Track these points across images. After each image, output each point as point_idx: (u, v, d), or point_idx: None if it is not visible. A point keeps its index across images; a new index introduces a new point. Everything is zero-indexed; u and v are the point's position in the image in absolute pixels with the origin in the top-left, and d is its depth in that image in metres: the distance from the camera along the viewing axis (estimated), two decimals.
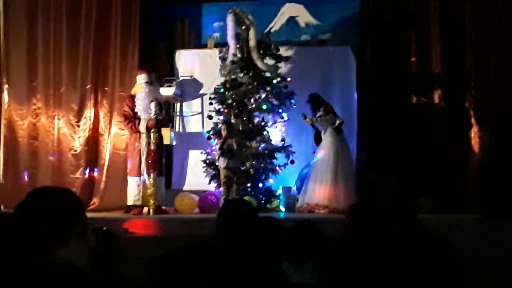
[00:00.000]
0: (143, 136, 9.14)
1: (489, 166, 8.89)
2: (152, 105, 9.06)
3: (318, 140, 9.62)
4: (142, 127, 9.12)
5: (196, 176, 10.32)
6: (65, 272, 2.34)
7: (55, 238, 2.46)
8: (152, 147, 9.02)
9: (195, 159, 10.40)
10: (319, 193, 9.19)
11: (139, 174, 9.13)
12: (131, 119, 9.22)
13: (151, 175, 8.95)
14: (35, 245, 2.43)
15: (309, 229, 4.13)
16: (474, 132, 9.16)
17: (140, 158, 9.13)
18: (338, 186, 9.18)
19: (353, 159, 9.77)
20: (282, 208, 9.48)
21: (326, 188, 9.18)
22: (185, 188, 10.42)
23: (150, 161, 9.02)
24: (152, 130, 9.04)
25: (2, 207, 9.90)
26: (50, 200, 2.57)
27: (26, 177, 10.22)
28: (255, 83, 9.71)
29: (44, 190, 2.69)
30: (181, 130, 10.98)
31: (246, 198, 8.50)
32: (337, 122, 9.47)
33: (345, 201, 8.92)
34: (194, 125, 11.04)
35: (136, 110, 9.22)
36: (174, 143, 10.51)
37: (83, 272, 2.43)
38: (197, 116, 11.01)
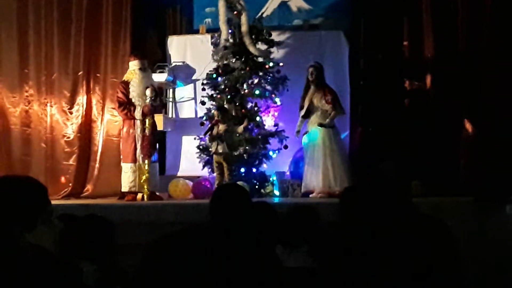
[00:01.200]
0: (138, 122, 9.12)
1: (481, 149, 8.91)
2: (148, 91, 9.06)
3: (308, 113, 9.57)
4: (138, 114, 9.11)
5: (190, 162, 10.31)
6: (36, 256, 2.36)
7: (21, 224, 2.48)
8: (147, 133, 9.03)
9: (189, 144, 10.38)
10: (319, 176, 9.20)
11: (135, 160, 9.13)
12: (126, 105, 9.20)
13: (146, 161, 8.95)
14: (2, 231, 2.45)
15: (305, 213, 4.13)
16: (466, 116, 9.17)
17: (135, 144, 9.12)
18: (337, 168, 9.19)
19: (345, 143, 9.80)
20: (276, 193, 9.50)
21: (327, 172, 9.19)
22: (179, 174, 10.41)
23: (144, 148, 9.02)
24: (148, 117, 9.04)
25: None
26: (13, 188, 2.59)
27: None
28: (247, 68, 9.69)
29: (6, 179, 2.71)
30: (174, 116, 10.95)
31: (239, 183, 8.51)
32: (342, 113, 9.53)
33: (344, 183, 8.95)
34: (187, 111, 11.02)
35: (130, 96, 9.21)
36: (169, 129, 10.51)
37: (53, 255, 2.46)
38: (190, 102, 10.98)
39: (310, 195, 9.20)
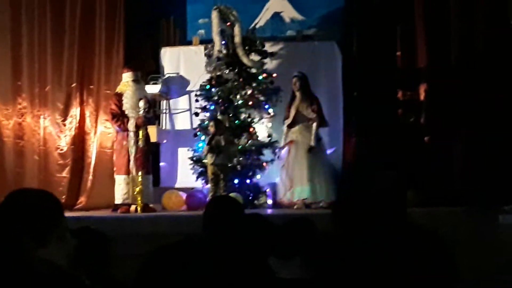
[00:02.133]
0: (131, 134, 9.11)
1: (476, 158, 8.92)
2: (141, 103, 9.04)
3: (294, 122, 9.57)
4: (131, 126, 9.09)
5: (186, 173, 10.29)
6: (46, 271, 2.35)
7: (34, 239, 2.47)
8: (141, 145, 9.01)
9: (185, 156, 10.35)
10: (297, 187, 9.22)
11: (128, 172, 9.11)
12: (119, 117, 9.19)
13: (139, 173, 8.94)
14: (15, 245, 2.43)
15: (302, 225, 4.12)
16: (459, 125, 9.19)
17: (129, 156, 9.11)
18: (318, 179, 9.21)
19: (327, 151, 9.77)
20: (270, 202, 9.48)
21: (323, 181, 9.21)
22: (176, 185, 10.39)
23: (138, 160, 9.01)
24: (141, 128, 9.03)
25: None
26: (29, 201, 2.58)
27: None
28: (241, 79, 9.71)
29: (23, 192, 2.69)
30: (169, 127, 10.95)
31: (232, 194, 8.50)
32: (325, 125, 9.51)
33: (326, 194, 9.00)
34: (181, 122, 11.01)
35: (124, 108, 9.20)
36: (162, 141, 10.51)
37: (65, 271, 2.44)
38: (185, 113, 10.98)
39: (295, 207, 9.21)
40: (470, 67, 9.22)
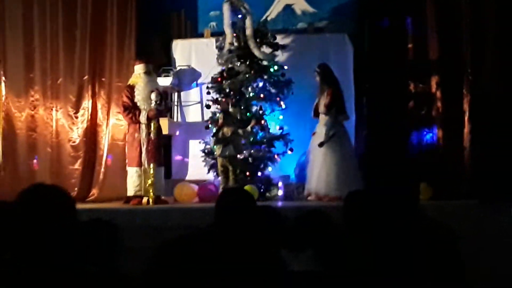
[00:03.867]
0: (143, 126, 9.13)
1: (486, 151, 8.90)
2: (153, 95, 9.04)
3: (317, 112, 9.53)
4: (143, 118, 9.11)
5: (197, 165, 10.31)
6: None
7: (50, 235, 2.50)
8: (153, 137, 9.03)
9: (196, 148, 10.37)
10: (319, 180, 9.17)
11: (140, 164, 9.13)
12: (131, 109, 9.20)
13: (151, 166, 8.96)
14: (32, 242, 2.46)
15: (316, 218, 4.12)
16: (471, 118, 9.16)
17: (141, 148, 9.13)
18: (340, 172, 9.14)
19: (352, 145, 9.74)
20: (281, 194, 9.47)
21: (325, 175, 9.15)
22: (187, 178, 10.41)
23: (150, 152, 9.03)
24: (153, 121, 9.05)
25: None
26: (43, 199, 2.59)
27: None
28: (252, 72, 9.70)
29: (37, 188, 2.71)
30: (180, 119, 10.97)
31: (248, 187, 8.50)
32: (343, 119, 9.46)
33: (350, 187, 8.93)
34: (193, 114, 11.03)
35: (135, 100, 9.21)
36: (174, 133, 10.54)
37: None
38: (196, 106, 11.00)
39: (309, 198, 9.19)
40: (481, 59, 9.19)
